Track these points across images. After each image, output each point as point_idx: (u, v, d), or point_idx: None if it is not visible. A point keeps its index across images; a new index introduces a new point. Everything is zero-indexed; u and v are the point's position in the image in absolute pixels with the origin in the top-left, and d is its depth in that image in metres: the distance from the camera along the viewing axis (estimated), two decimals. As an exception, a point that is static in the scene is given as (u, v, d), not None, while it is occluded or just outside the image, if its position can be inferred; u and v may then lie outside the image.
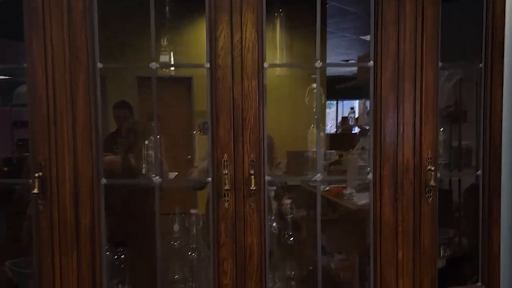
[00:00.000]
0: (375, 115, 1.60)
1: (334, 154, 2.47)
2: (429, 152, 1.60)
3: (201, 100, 1.62)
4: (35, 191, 1.46)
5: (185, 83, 2.86)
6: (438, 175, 1.65)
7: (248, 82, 1.53)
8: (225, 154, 1.55)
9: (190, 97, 2.88)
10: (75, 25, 1.48)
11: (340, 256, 2.28)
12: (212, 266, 1.58)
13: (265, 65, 1.54)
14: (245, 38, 1.51)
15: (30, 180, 1.49)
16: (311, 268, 1.86)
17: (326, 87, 2.52)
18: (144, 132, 2.07)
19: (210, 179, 1.57)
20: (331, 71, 2.63)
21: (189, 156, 2.28)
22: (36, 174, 1.47)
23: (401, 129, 1.59)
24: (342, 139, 3.52)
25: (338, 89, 3.11)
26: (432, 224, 1.64)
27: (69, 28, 1.48)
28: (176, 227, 1.99)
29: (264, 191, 1.58)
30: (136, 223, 2.05)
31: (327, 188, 2.43)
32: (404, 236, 1.62)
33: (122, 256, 1.87)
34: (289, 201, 2.10)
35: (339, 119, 4.35)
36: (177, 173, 2.03)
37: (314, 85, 1.74)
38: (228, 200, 1.56)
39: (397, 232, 1.61)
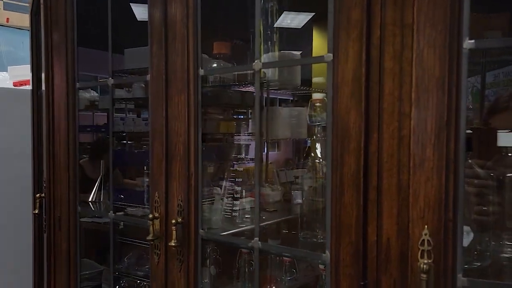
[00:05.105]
0: None
1: None
2: None
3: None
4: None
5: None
6: None
7: (178, 97, 1.13)
8: (156, 192, 1.17)
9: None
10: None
11: None
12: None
13: (200, 72, 1.10)
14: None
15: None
16: None
17: None
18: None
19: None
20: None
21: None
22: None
23: None
24: None
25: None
26: None
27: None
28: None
29: (196, 251, 1.11)
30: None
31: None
32: None
33: None
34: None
35: None
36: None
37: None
38: (159, 254, 1.17)
39: None
